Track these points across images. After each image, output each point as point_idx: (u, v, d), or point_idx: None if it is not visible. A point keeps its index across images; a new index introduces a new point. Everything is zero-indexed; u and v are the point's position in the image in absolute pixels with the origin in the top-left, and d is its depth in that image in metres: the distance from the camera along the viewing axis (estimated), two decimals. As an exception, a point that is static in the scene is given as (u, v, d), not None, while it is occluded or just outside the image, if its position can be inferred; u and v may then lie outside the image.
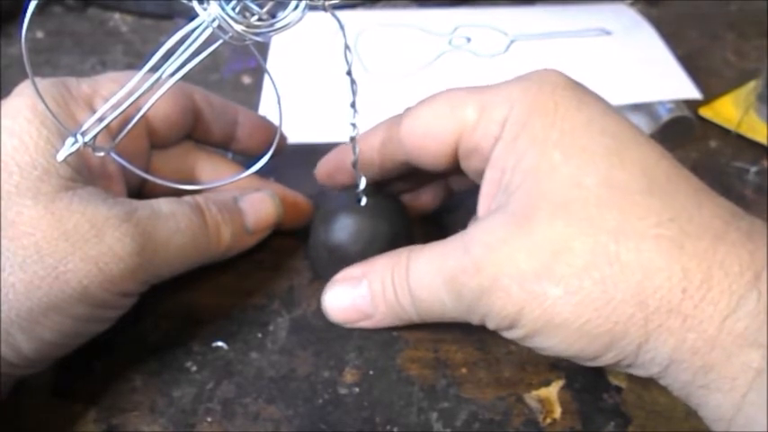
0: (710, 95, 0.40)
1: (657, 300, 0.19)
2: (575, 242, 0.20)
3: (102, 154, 0.23)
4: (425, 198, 0.31)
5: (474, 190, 0.26)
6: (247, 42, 0.19)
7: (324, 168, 0.30)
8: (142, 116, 0.24)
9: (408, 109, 0.26)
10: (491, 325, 0.22)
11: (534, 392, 0.26)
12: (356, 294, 0.26)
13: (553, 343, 0.21)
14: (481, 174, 0.24)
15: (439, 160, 0.25)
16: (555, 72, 0.23)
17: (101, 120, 0.21)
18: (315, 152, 0.32)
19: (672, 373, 0.19)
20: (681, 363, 0.19)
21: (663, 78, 0.40)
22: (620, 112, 0.23)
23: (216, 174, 0.30)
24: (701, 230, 0.19)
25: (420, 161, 0.26)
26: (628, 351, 0.19)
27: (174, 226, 0.24)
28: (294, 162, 0.35)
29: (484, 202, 0.24)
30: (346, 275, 0.26)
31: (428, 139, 0.25)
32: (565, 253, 0.20)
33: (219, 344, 0.27)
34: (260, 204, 0.28)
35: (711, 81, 0.41)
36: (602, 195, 0.20)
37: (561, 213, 0.20)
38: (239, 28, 0.18)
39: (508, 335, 0.22)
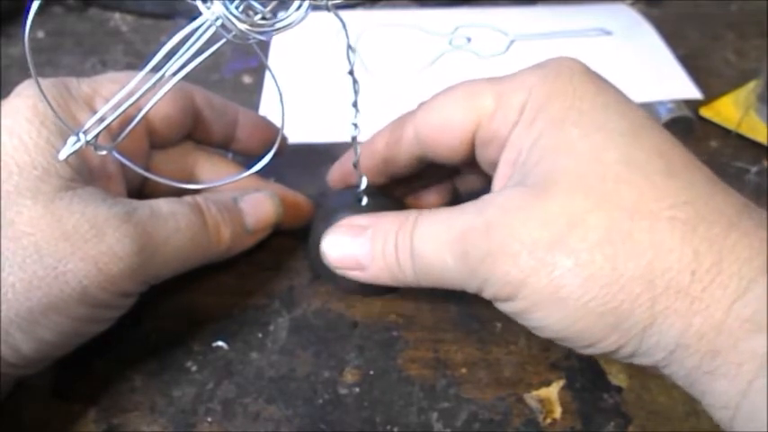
0: (711, 95, 0.40)
1: (666, 280, 0.18)
2: (590, 216, 0.19)
3: (104, 152, 0.23)
4: (430, 200, 0.31)
5: (480, 193, 0.26)
6: (250, 41, 0.19)
7: (335, 174, 0.30)
8: (143, 116, 0.24)
9: (423, 103, 0.26)
10: (489, 292, 0.22)
11: (534, 392, 0.26)
12: (356, 243, 0.25)
13: (555, 319, 0.20)
14: (496, 164, 0.24)
15: (455, 152, 0.25)
16: (572, 59, 0.23)
17: (101, 120, 0.21)
18: (315, 152, 0.32)
19: (677, 358, 0.19)
20: (687, 348, 0.19)
21: (663, 78, 0.40)
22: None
23: (216, 174, 0.30)
24: (715, 215, 0.19)
25: (436, 153, 0.26)
26: (632, 334, 0.19)
27: (174, 226, 0.24)
28: (294, 162, 0.35)
29: (499, 182, 0.24)
30: (352, 223, 0.25)
31: (445, 130, 0.25)
32: (580, 226, 0.19)
33: (220, 344, 0.27)
34: (260, 204, 0.28)
35: (712, 81, 0.41)
36: (620, 172, 0.20)
37: (579, 187, 0.20)
38: (243, 27, 0.18)
39: (505, 307, 0.22)
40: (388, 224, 0.24)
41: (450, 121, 0.24)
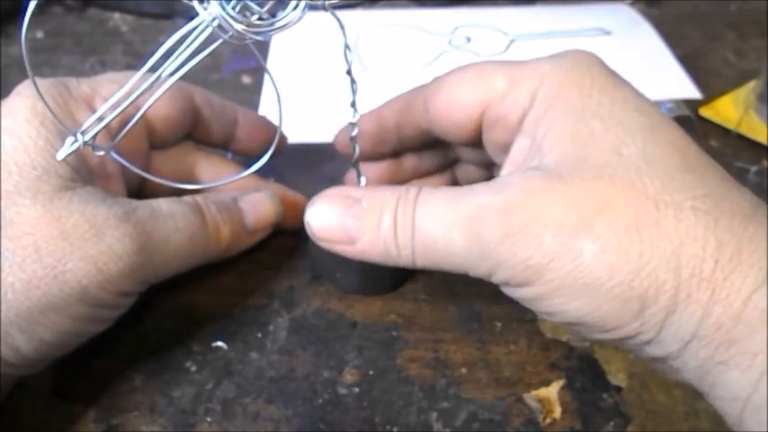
0: (710, 95, 0.40)
1: (691, 268, 0.18)
2: (617, 202, 0.19)
3: (101, 153, 0.23)
4: None
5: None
6: (247, 42, 0.19)
7: (342, 136, 0.29)
8: (142, 115, 0.24)
9: (436, 78, 0.26)
10: (501, 276, 0.21)
11: (534, 392, 0.26)
12: (347, 214, 0.23)
13: (576, 305, 0.20)
14: (501, 148, 0.24)
15: (462, 130, 0.25)
16: (589, 53, 0.23)
17: (100, 119, 0.21)
18: (315, 152, 0.32)
19: (691, 349, 0.19)
20: (703, 338, 0.19)
21: (663, 78, 0.40)
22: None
23: (216, 174, 0.30)
24: (733, 208, 0.19)
25: (443, 129, 0.26)
26: (654, 321, 0.19)
27: (174, 226, 0.24)
28: (294, 162, 0.35)
29: (509, 167, 0.24)
30: (342, 192, 0.24)
31: (454, 107, 0.25)
32: (607, 211, 0.19)
33: (219, 344, 0.27)
34: (260, 204, 0.28)
35: (711, 81, 0.41)
36: (640, 165, 0.20)
37: (603, 175, 0.20)
38: (239, 27, 0.18)
39: (518, 293, 0.21)
40: (386, 196, 0.22)
41: (459, 99, 0.24)
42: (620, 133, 0.21)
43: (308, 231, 0.24)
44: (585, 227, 0.19)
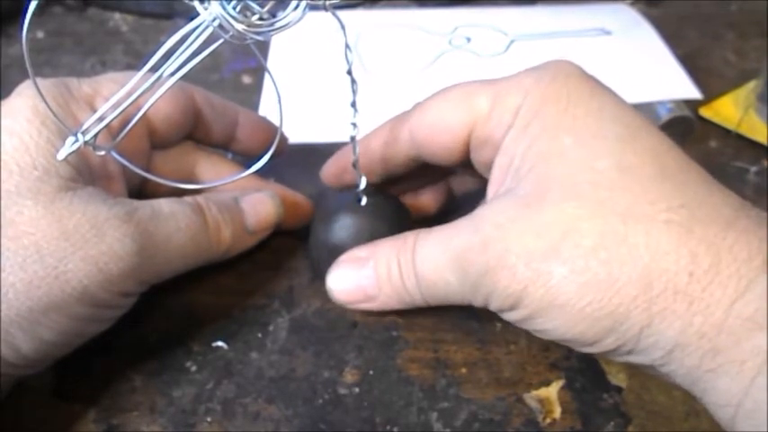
0: (710, 95, 0.40)
1: (663, 282, 0.19)
2: (584, 223, 0.20)
3: (102, 153, 0.23)
4: (426, 199, 0.31)
5: (475, 193, 0.26)
6: (248, 41, 0.19)
7: (330, 170, 0.30)
8: (142, 115, 0.24)
9: (419, 103, 0.26)
10: (494, 305, 0.22)
11: (534, 392, 0.26)
12: (361, 275, 0.25)
13: (554, 325, 0.20)
14: (490, 166, 0.24)
15: (450, 152, 0.25)
16: (568, 63, 0.23)
17: (101, 119, 0.21)
18: (315, 152, 0.32)
19: (676, 357, 0.19)
20: (686, 347, 0.19)
21: (663, 78, 0.40)
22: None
23: (216, 174, 0.30)
24: (711, 216, 0.19)
25: (431, 154, 0.26)
26: (629, 335, 0.19)
27: (175, 226, 0.24)
28: (294, 162, 0.35)
29: (493, 188, 0.24)
30: (352, 256, 0.26)
31: (440, 131, 0.25)
32: (573, 233, 0.20)
33: (219, 344, 0.27)
34: (260, 205, 0.28)
35: (711, 81, 0.41)
36: (613, 179, 0.20)
37: (572, 195, 0.20)
38: (240, 27, 0.18)
39: (509, 317, 0.22)
40: (387, 250, 0.25)
41: (445, 122, 0.24)
42: (594, 146, 0.21)
43: (332, 298, 0.26)
44: (554, 251, 0.20)
